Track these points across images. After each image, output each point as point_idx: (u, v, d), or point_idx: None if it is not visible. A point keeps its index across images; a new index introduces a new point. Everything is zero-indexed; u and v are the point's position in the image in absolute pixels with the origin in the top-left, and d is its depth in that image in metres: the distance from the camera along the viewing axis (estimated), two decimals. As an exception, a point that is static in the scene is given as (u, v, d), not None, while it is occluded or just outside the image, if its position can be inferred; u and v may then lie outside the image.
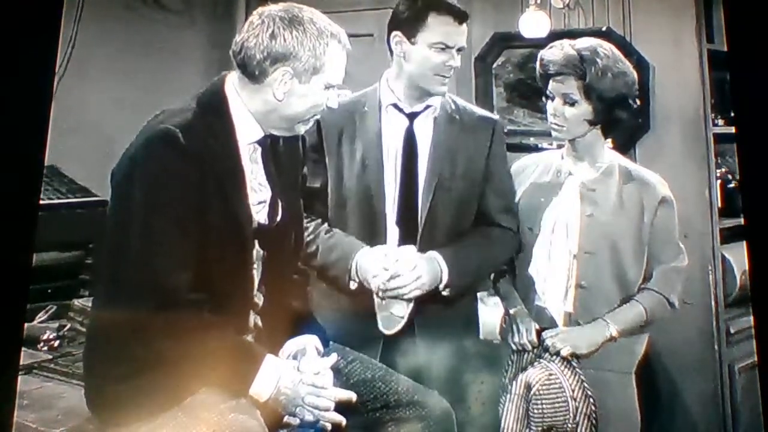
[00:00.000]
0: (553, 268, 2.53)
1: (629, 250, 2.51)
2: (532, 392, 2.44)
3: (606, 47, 2.54)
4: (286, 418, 2.10)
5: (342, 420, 2.09)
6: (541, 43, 2.78)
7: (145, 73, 3.36)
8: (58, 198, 3.01)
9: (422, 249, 2.53)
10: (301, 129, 2.20)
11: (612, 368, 2.53)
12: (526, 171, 2.68)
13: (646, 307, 2.51)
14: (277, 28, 2.07)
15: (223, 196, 2.07)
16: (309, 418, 2.07)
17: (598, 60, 2.48)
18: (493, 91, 3.45)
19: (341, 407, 2.12)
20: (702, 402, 2.96)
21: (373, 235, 2.55)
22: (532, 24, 3.20)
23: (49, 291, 2.78)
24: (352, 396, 2.12)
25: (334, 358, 2.17)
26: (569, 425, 2.43)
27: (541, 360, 2.50)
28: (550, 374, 2.46)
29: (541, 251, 2.55)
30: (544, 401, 2.43)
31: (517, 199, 2.65)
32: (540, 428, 2.43)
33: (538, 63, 2.57)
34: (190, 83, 3.17)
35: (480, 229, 2.60)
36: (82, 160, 3.03)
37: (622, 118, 2.55)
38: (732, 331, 3.03)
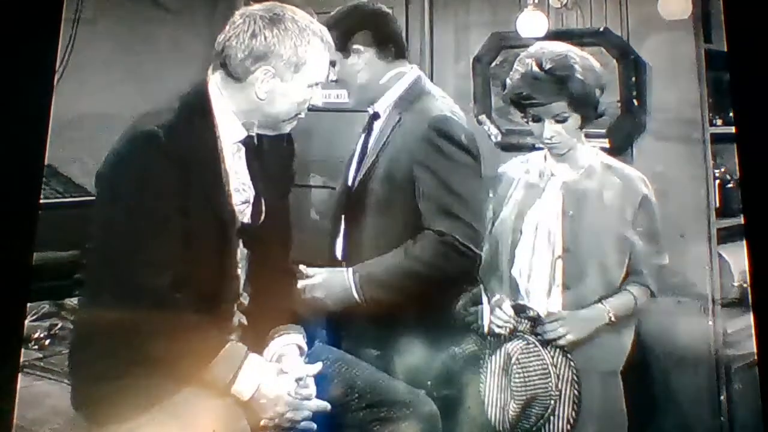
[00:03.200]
0: (537, 269, 2.52)
1: (612, 248, 2.51)
2: (512, 362, 2.44)
3: (573, 52, 2.50)
4: (262, 422, 2.10)
5: (313, 426, 2.11)
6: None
7: (145, 73, 3.38)
8: (56, 197, 3.03)
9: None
10: (286, 128, 2.21)
11: (598, 367, 2.53)
12: (512, 173, 2.67)
13: (635, 296, 2.52)
14: (258, 27, 2.09)
15: (206, 196, 2.09)
16: (285, 425, 2.09)
17: (576, 74, 2.45)
18: (491, 92, 3.42)
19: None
20: (698, 402, 2.96)
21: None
22: (530, 24, 3.17)
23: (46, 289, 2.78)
24: (326, 407, 2.13)
25: (319, 366, 2.16)
26: (552, 393, 2.43)
27: (519, 333, 2.48)
28: (528, 343, 2.46)
29: (524, 252, 2.53)
30: (525, 370, 2.44)
31: (505, 202, 2.64)
32: (523, 399, 2.42)
33: (510, 89, 2.53)
34: (190, 83, 3.20)
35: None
36: (80, 159, 3.05)
37: (603, 108, 2.55)
38: (729, 331, 3.00)
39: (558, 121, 2.48)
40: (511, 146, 3.30)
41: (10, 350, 2.18)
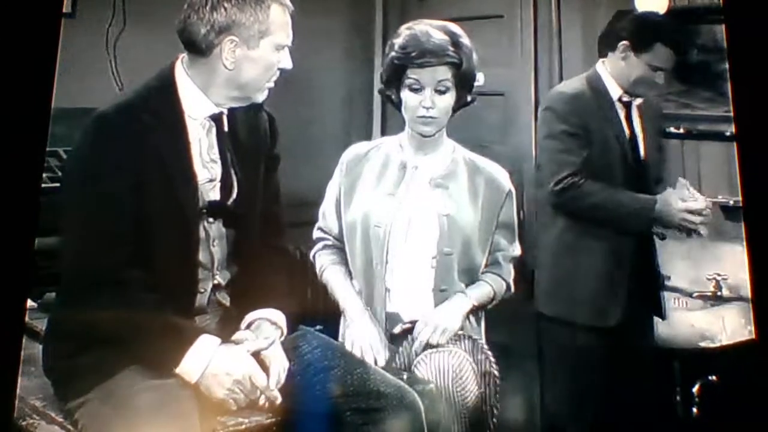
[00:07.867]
0: (411, 273, 2.48)
1: (479, 244, 2.52)
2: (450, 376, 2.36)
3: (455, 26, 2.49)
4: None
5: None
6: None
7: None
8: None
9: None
10: (258, 97, 2.21)
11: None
12: (363, 159, 2.59)
13: (494, 288, 2.55)
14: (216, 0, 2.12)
15: (162, 174, 2.10)
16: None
17: (467, 43, 2.44)
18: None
19: (299, 394, 2.13)
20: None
21: None
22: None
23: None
24: (276, 396, 2.10)
25: (260, 342, 2.13)
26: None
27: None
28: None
29: (398, 254, 2.48)
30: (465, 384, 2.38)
31: (355, 191, 2.56)
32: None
33: (397, 49, 2.46)
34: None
35: None
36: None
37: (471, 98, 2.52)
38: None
39: (438, 92, 2.43)
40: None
41: (11, 346, 2.17)
